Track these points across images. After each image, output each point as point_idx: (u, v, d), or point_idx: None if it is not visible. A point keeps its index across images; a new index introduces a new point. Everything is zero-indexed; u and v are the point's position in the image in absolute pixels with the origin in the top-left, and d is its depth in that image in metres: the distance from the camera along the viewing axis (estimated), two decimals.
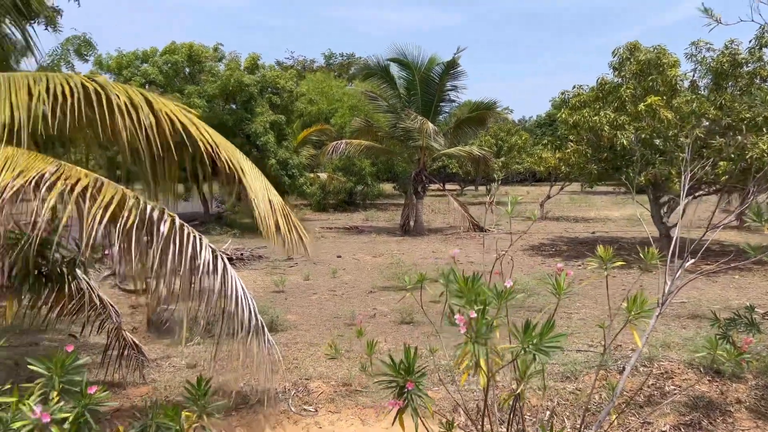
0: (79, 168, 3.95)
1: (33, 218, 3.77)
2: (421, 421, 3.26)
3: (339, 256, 16.53)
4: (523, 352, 2.91)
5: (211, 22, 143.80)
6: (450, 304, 3.12)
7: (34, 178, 3.70)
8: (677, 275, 3.80)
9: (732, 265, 5.98)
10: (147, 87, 21.25)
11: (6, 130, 4.05)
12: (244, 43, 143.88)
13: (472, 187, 53.19)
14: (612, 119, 13.90)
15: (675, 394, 5.74)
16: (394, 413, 3.26)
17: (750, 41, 13.29)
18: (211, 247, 4.41)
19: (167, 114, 4.45)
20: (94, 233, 3.77)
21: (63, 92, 4.21)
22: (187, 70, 22.33)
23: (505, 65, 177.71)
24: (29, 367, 3.31)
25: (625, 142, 13.64)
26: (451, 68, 21.17)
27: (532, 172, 45.55)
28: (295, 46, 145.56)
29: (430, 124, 20.04)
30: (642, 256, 3.60)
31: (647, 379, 6.09)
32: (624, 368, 6.23)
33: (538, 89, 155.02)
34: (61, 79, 4.38)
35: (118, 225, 4.00)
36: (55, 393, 3.21)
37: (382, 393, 6.00)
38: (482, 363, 3.43)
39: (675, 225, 4.87)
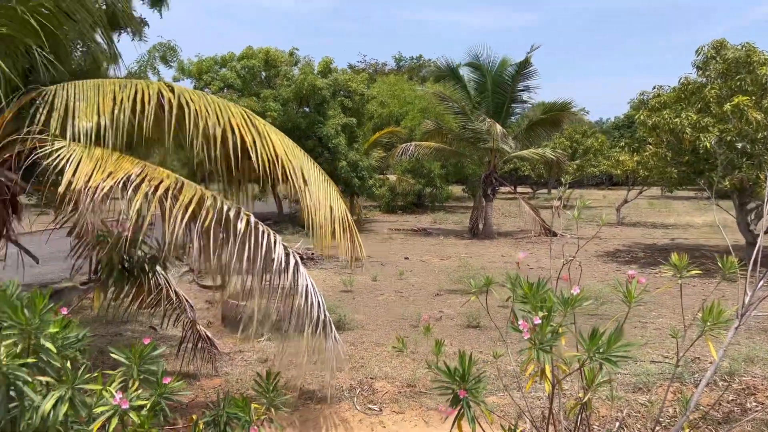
0: (161, 169, 4.20)
1: (121, 217, 4.05)
2: (480, 427, 3.25)
3: (406, 258, 16.58)
4: (588, 360, 2.84)
5: (287, 26, 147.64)
6: (514, 309, 3.09)
7: (122, 179, 3.96)
8: (759, 286, 3.60)
9: None
10: (225, 91, 22.08)
11: (94, 133, 4.36)
12: (318, 47, 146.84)
13: (545, 191, 51.98)
14: (694, 121, 13.25)
15: (757, 411, 5.42)
16: (453, 418, 3.26)
17: None
18: (283, 244, 4.57)
19: (236, 125, 4.65)
20: (175, 231, 3.99)
21: (143, 99, 4.48)
22: (264, 74, 23.02)
23: (583, 65, 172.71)
24: (111, 355, 3.54)
25: (708, 145, 12.97)
26: (523, 68, 20.82)
27: (609, 175, 43.99)
28: (367, 49, 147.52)
29: (499, 126, 19.76)
30: (720, 264, 3.43)
31: (723, 394, 5.77)
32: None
33: (617, 90, 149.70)
34: (143, 86, 4.66)
35: (197, 223, 4.22)
36: (134, 381, 3.42)
37: (446, 395, 5.99)
38: (548, 370, 3.38)
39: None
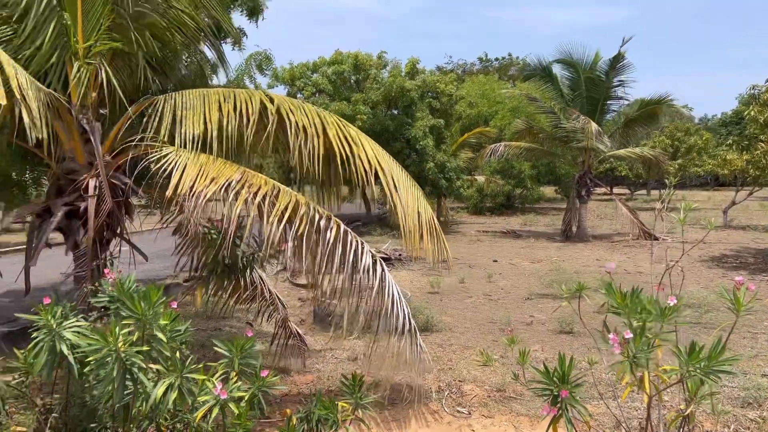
0: (259, 175, 4.43)
1: (224, 220, 4.31)
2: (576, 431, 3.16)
3: (495, 261, 16.33)
4: (688, 375, 2.69)
5: (375, 30, 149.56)
6: (606, 322, 2.98)
7: (223, 185, 4.22)
8: None
9: None
10: (317, 95, 22.70)
11: (200, 140, 4.65)
12: (405, 49, 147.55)
13: (644, 191, 49.52)
14: None
15: None
16: (548, 422, 3.20)
17: None
18: (371, 252, 4.68)
19: (333, 136, 4.83)
20: (271, 235, 4.21)
21: (246, 110, 4.74)
22: (353, 78, 23.47)
23: (686, 60, 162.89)
24: (215, 348, 3.76)
25: None
26: (616, 62, 19.93)
27: (714, 175, 41.30)
28: (452, 50, 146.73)
29: (594, 124, 19.00)
30: None
31: None
32: None
33: (724, 85, 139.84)
34: (246, 97, 4.93)
35: (292, 230, 4.43)
36: (234, 373, 3.61)
37: (537, 402, 5.86)
38: (646, 380, 3.24)
39: None
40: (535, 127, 22.65)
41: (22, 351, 4.08)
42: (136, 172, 5.25)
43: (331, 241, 4.47)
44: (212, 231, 4.84)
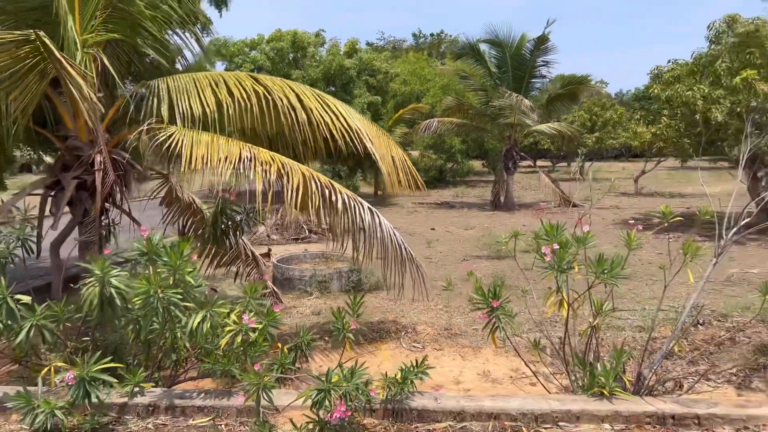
0: (265, 151, 5.23)
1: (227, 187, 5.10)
2: (510, 340, 4.33)
3: (432, 229, 17.62)
4: (595, 279, 3.89)
5: (311, 5, 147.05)
6: (537, 241, 4.13)
7: (235, 160, 5.00)
8: (728, 239, 4.62)
9: None
10: (256, 72, 23.07)
11: (200, 120, 5.43)
12: (338, 23, 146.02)
13: (564, 164, 52.48)
14: (706, 93, 13.97)
15: (745, 343, 6.41)
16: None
17: None
18: (370, 209, 5.64)
19: (312, 108, 5.71)
20: (292, 202, 5.10)
21: (241, 95, 5.53)
22: (291, 55, 23.97)
23: (604, 36, 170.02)
24: (228, 292, 4.65)
25: (719, 117, 13.70)
26: (541, 44, 21.47)
27: (628, 147, 44.39)
28: (385, 26, 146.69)
29: (527, 100, 20.47)
30: (699, 213, 4.44)
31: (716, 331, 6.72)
32: (698, 321, 6.96)
33: (641, 60, 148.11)
34: (235, 81, 5.69)
35: (309, 196, 5.27)
36: (249, 311, 4.52)
37: (478, 336, 7.06)
38: (564, 297, 4.43)
39: None
40: (465, 104, 23.96)
41: (55, 301, 4.80)
42: (131, 149, 5.93)
43: (340, 202, 5.37)
44: (215, 201, 5.64)
